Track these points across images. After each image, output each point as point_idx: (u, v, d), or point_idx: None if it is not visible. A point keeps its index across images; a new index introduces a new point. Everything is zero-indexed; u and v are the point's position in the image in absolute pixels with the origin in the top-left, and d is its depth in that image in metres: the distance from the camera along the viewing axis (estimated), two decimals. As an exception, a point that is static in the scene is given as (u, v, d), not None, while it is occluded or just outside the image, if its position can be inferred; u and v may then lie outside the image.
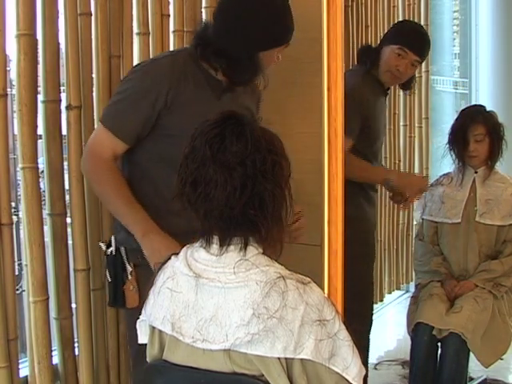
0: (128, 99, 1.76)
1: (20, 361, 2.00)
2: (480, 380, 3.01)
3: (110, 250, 1.82)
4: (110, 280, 1.83)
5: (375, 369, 3.23)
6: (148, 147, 1.80)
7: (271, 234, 1.25)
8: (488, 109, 2.78)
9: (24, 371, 2.03)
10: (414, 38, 2.52)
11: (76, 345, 2.12)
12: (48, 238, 2.03)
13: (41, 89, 1.99)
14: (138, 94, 1.75)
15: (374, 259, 2.87)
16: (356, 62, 2.66)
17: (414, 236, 3.45)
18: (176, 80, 1.76)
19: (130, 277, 1.79)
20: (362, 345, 2.36)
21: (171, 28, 2.37)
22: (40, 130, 1.99)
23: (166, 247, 1.64)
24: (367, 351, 2.64)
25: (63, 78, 2.06)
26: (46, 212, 2.04)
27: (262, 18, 1.75)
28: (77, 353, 2.13)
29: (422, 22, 3.86)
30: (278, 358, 1.19)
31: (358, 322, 2.43)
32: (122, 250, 1.80)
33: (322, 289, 2.23)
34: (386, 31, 2.76)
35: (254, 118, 1.90)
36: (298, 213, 1.77)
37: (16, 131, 1.96)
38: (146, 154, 1.81)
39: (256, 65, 1.80)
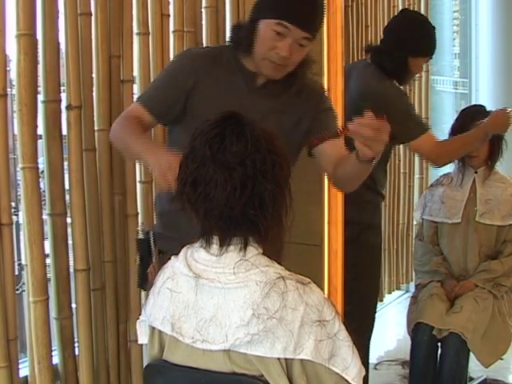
0: (160, 78, 1.86)
1: (20, 361, 2.00)
2: (480, 380, 3.01)
3: (140, 235, 1.85)
4: (138, 263, 1.86)
5: (375, 369, 3.22)
6: (175, 131, 1.84)
7: (271, 234, 1.25)
8: (488, 109, 2.77)
9: (24, 371, 2.03)
10: (431, 46, 2.55)
11: (76, 345, 2.12)
12: (48, 238, 2.03)
13: (41, 89, 1.99)
14: (169, 74, 1.82)
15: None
16: (373, 62, 2.53)
17: (414, 236, 3.45)
18: (208, 66, 1.78)
19: (153, 261, 1.80)
20: (362, 353, 2.39)
21: (171, 28, 2.38)
22: (40, 130, 1.99)
23: (175, 160, 1.46)
24: (367, 356, 2.66)
25: (63, 78, 2.06)
26: (46, 212, 2.04)
27: None
28: (77, 353, 2.13)
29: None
30: (278, 359, 1.19)
31: (360, 327, 2.46)
32: (151, 234, 1.81)
33: (322, 289, 2.24)
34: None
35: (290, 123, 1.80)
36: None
37: (16, 131, 1.96)
38: (175, 138, 1.84)
39: (251, 31, 1.72)
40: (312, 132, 1.81)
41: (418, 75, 3.58)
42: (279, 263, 1.27)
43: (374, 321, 2.65)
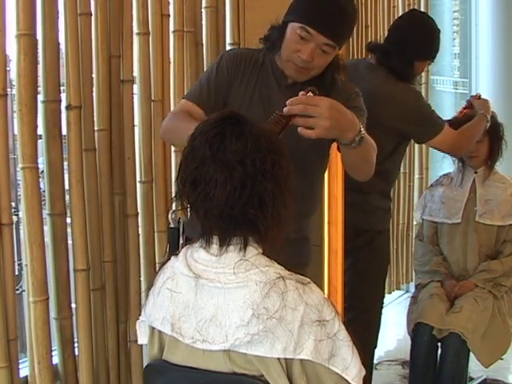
0: (203, 76, 1.90)
1: (20, 361, 2.00)
2: (480, 380, 3.01)
3: (171, 224, 1.86)
4: (166, 252, 1.87)
5: (375, 369, 3.21)
6: None
7: (271, 233, 1.25)
8: (488, 109, 2.77)
9: (24, 371, 2.03)
10: (437, 49, 2.56)
11: (76, 345, 2.12)
12: (48, 238, 2.03)
13: (41, 89, 1.99)
14: (211, 72, 1.88)
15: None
16: (381, 64, 2.51)
17: (413, 236, 3.45)
18: (245, 65, 1.85)
19: (180, 249, 1.80)
20: (367, 355, 2.41)
21: (171, 28, 2.38)
22: (40, 130, 1.99)
23: None
24: (372, 358, 2.66)
25: (63, 78, 2.06)
26: (46, 212, 2.04)
27: None
28: (77, 353, 2.12)
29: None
30: (278, 359, 1.19)
31: (367, 331, 2.48)
32: (181, 223, 1.82)
33: (322, 289, 2.23)
34: (386, 31, 2.74)
35: None
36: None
37: (16, 131, 1.96)
38: None
39: (281, 33, 1.77)
40: None
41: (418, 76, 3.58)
42: (279, 263, 1.27)
43: (380, 323, 2.66)
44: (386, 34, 2.66)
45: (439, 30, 2.53)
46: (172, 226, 1.86)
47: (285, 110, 1.46)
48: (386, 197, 2.60)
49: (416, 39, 2.45)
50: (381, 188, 2.54)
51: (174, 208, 1.84)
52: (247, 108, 1.77)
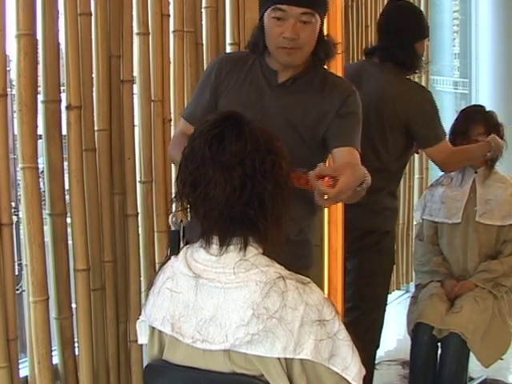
0: (197, 87, 1.98)
1: (20, 361, 2.00)
2: (480, 380, 3.01)
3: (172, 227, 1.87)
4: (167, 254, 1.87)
5: (375, 369, 3.22)
6: None
7: (271, 233, 1.25)
8: (488, 109, 2.78)
9: (24, 371, 2.03)
10: (428, 25, 2.59)
11: (76, 345, 2.12)
12: (48, 238, 2.03)
13: (41, 89, 1.99)
14: (202, 82, 1.94)
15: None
16: (385, 62, 2.50)
17: (413, 236, 3.45)
18: (233, 68, 1.86)
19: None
20: (370, 354, 2.41)
21: (171, 28, 2.38)
22: (40, 130, 1.99)
23: None
24: (374, 358, 2.66)
25: (63, 78, 2.06)
26: (46, 212, 2.04)
27: None
28: (77, 353, 2.12)
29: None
30: (278, 358, 1.19)
31: (368, 332, 2.47)
32: (182, 225, 1.82)
33: (322, 289, 2.23)
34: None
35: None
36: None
37: (16, 131, 1.96)
38: None
39: (261, 29, 1.77)
40: (327, 132, 1.83)
41: (417, 75, 3.58)
42: (279, 263, 1.27)
43: (383, 323, 2.65)
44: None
45: (420, 9, 2.60)
46: (173, 228, 1.86)
47: (312, 182, 1.43)
48: (393, 196, 2.59)
49: (406, 23, 2.47)
50: (390, 188, 2.54)
51: (173, 210, 1.84)
52: (238, 110, 1.77)
